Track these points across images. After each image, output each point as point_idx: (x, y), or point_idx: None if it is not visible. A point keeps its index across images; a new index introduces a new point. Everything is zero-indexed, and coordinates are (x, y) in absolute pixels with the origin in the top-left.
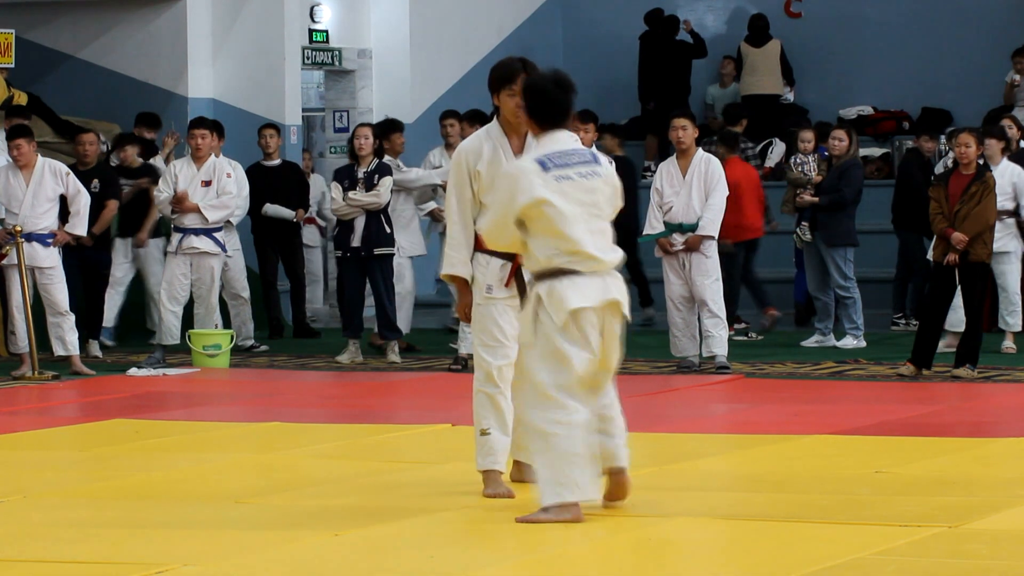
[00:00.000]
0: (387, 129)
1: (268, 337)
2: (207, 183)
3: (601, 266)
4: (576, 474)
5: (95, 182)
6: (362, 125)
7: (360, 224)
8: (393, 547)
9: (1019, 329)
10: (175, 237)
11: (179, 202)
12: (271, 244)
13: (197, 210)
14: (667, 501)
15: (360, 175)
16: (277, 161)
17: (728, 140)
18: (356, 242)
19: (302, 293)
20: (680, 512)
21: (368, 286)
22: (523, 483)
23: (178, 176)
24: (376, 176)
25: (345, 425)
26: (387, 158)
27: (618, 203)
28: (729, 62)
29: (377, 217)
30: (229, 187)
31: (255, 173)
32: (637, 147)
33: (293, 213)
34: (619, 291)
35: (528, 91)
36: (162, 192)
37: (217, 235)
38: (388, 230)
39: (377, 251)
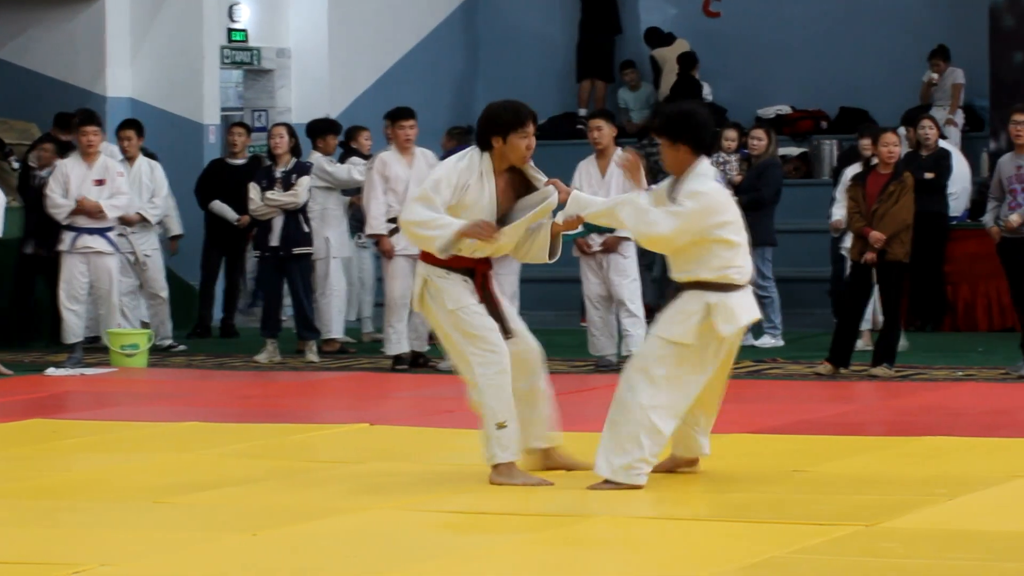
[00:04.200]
0: (323, 129)
1: (190, 336)
2: (100, 182)
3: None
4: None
5: None
6: (277, 125)
7: (279, 224)
8: (312, 547)
9: None
10: (68, 235)
11: (82, 211)
12: (218, 243)
13: (100, 210)
14: (582, 500)
15: (277, 175)
16: (242, 160)
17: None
18: (275, 242)
19: (235, 295)
20: (595, 511)
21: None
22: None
23: (69, 175)
24: (294, 175)
25: (263, 425)
26: (317, 156)
27: None
28: (632, 71)
29: (295, 216)
30: (123, 187)
31: (216, 169)
32: (562, 147)
33: (236, 216)
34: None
35: (691, 119)
36: (55, 192)
37: (110, 234)
38: (306, 229)
39: (295, 251)
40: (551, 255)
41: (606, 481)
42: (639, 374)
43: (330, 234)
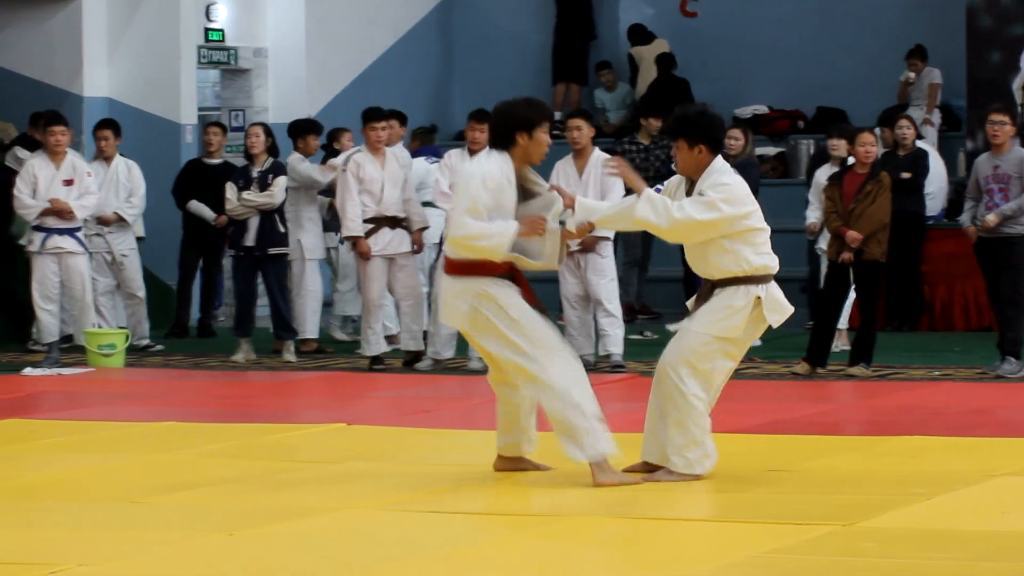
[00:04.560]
0: (304, 130)
1: (167, 336)
2: (68, 182)
3: None
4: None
5: None
6: (254, 124)
7: (254, 223)
8: (288, 547)
9: None
10: (38, 236)
11: (52, 211)
12: (195, 243)
13: (70, 210)
14: (561, 500)
15: (254, 175)
16: (219, 160)
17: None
18: (250, 241)
19: (212, 295)
20: (573, 511)
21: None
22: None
23: (37, 176)
24: (270, 176)
25: (240, 424)
26: (293, 156)
27: None
28: (609, 72)
29: (271, 216)
30: (92, 187)
31: (193, 169)
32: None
33: (214, 216)
34: None
35: (706, 119)
36: (23, 193)
37: (79, 234)
38: (282, 229)
39: (271, 251)
40: (559, 261)
41: (679, 474)
42: (686, 368)
43: (303, 236)
